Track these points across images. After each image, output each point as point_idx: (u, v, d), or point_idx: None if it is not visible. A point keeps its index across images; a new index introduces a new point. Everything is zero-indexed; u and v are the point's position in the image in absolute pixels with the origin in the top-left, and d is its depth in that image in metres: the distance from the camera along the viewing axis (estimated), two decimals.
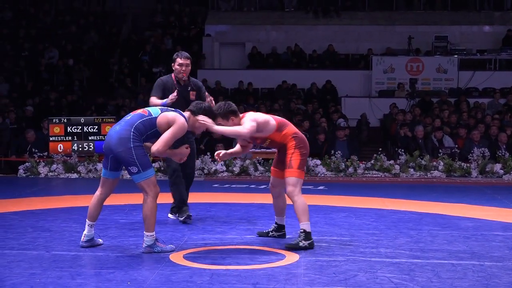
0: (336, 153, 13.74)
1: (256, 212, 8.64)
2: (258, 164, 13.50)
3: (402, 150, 13.95)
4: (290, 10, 23.86)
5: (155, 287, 4.91)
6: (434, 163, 13.56)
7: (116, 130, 5.88)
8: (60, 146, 14.12)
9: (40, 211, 8.62)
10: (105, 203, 6.35)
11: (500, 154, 13.73)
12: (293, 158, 6.25)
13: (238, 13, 23.76)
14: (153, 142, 6.01)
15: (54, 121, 14.30)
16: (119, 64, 21.62)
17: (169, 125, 5.91)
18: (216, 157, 6.57)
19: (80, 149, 14.16)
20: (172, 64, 7.92)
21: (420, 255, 6.04)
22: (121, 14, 24.67)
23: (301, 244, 6.15)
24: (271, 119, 6.39)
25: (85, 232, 6.22)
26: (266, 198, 9.80)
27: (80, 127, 14.26)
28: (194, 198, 10.03)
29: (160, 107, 6.10)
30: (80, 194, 9.17)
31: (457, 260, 5.87)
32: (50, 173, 13.48)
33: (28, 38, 22.38)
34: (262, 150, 14.06)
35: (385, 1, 23.71)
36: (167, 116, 5.94)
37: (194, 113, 6.16)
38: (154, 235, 5.99)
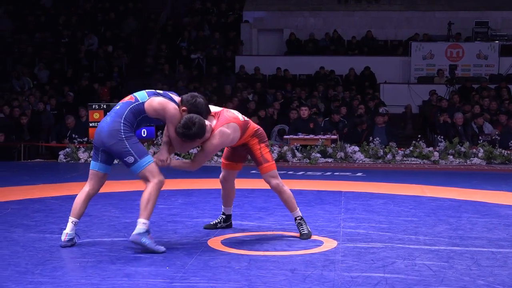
0: (375, 139, 13.66)
1: None
2: (296, 151, 13.47)
3: (442, 137, 13.83)
4: None
5: (193, 272, 4.94)
6: (474, 150, 13.41)
7: (107, 122, 5.59)
8: None
9: None
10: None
11: None
12: (263, 152, 6.13)
13: None
14: (144, 127, 5.87)
15: (93, 107, 14.42)
16: (157, 51, 21.72)
17: (156, 112, 5.59)
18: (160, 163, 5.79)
19: None
20: None
21: (459, 243, 5.98)
22: (160, 0, 24.73)
23: (308, 230, 6.15)
24: (236, 130, 5.93)
25: (67, 230, 5.71)
26: (305, 185, 9.81)
27: None
28: None
29: (147, 90, 5.75)
30: (118, 179, 9.24)
31: (497, 248, 5.80)
32: (90, 159, 13.60)
33: (67, 25, 22.58)
34: (300, 136, 14.05)
35: None
36: (153, 103, 5.59)
37: (183, 103, 5.68)
38: (148, 226, 5.49)
